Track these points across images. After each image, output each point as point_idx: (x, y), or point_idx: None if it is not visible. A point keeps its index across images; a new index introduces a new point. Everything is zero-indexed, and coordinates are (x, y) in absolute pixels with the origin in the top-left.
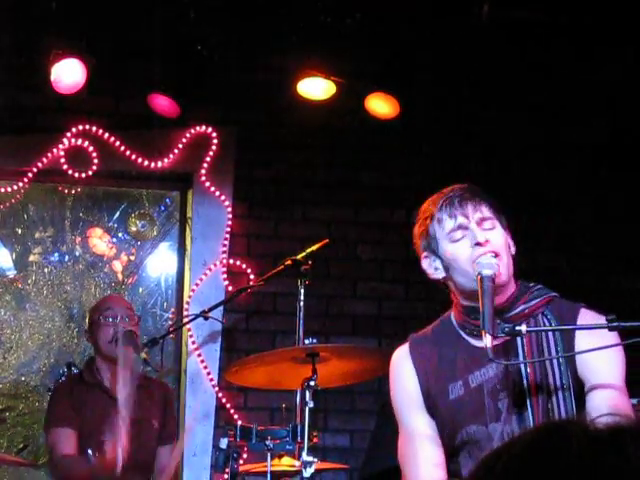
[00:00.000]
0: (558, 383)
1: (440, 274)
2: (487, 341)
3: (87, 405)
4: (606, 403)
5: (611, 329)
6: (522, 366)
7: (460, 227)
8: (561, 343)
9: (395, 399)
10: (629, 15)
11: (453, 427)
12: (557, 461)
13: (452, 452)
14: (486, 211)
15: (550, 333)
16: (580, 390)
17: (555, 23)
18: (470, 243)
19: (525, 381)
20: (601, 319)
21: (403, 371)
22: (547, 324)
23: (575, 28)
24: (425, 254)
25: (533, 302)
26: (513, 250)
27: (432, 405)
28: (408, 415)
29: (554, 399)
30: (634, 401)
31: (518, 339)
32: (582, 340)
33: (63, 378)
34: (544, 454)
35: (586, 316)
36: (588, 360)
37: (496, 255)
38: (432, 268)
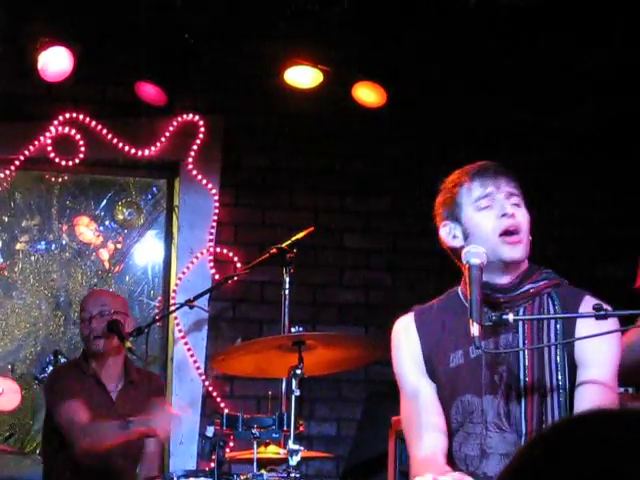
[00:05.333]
0: (553, 363)
1: (458, 242)
2: (475, 330)
3: (84, 393)
4: (591, 398)
5: (598, 317)
6: (520, 343)
7: (487, 196)
8: (561, 326)
9: (398, 364)
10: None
11: (450, 396)
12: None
13: (449, 430)
14: (515, 189)
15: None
16: (574, 369)
17: (542, 7)
18: (497, 213)
19: (522, 358)
20: (605, 307)
21: (407, 336)
22: (551, 305)
23: (562, 12)
24: (445, 222)
25: (541, 283)
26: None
27: (432, 371)
28: (412, 378)
29: (548, 377)
30: (630, 390)
31: None
32: (582, 326)
33: (62, 362)
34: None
35: (589, 303)
36: (585, 347)
37: (517, 232)
38: (450, 236)
